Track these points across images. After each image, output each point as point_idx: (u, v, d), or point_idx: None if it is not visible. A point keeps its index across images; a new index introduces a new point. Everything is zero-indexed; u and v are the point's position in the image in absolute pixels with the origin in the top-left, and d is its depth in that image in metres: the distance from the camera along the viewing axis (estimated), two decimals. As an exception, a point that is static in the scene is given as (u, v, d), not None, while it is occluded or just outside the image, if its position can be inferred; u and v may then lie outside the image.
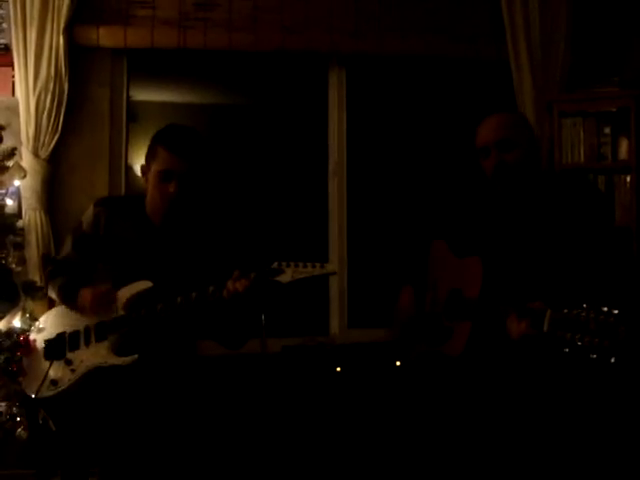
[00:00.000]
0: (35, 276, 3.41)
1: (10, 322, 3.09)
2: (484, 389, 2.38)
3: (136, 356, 2.48)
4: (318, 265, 2.41)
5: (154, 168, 2.55)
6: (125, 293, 2.56)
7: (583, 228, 2.31)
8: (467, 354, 2.38)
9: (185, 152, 2.53)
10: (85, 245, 2.70)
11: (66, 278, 2.68)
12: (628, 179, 3.66)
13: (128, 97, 3.95)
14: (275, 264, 2.42)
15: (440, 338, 2.51)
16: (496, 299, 2.30)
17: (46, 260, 3.42)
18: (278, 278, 2.41)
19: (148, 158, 2.59)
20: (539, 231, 2.37)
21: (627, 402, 2.55)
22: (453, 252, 2.60)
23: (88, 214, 2.71)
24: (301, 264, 2.41)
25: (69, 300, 2.64)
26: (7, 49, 3.59)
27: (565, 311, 1.97)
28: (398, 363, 3.52)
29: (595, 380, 2.27)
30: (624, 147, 3.69)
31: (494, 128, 2.44)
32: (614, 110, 3.72)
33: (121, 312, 2.54)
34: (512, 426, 2.31)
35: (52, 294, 2.75)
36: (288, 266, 2.41)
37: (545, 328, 2.01)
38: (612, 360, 1.89)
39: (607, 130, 3.73)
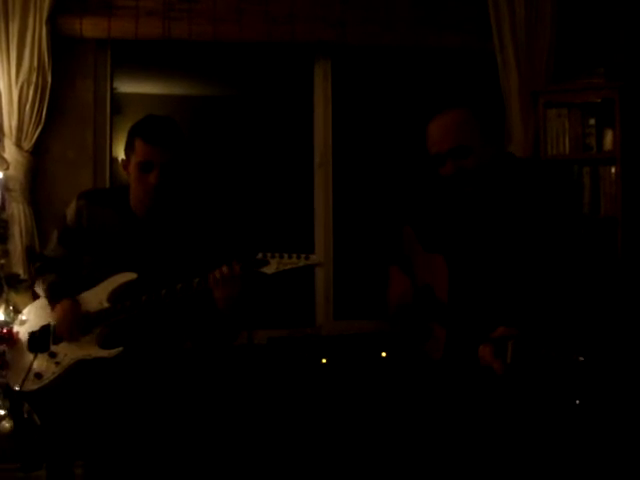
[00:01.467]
0: (18, 268, 3.39)
1: (-7, 315, 3.08)
2: (466, 393, 2.36)
3: (121, 348, 2.47)
4: (303, 256, 2.41)
5: (134, 160, 2.53)
6: (108, 285, 2.55)
7: (548, 226, 2.23)
8: (447, 359, 2.35)
9: (163, 142, 2.50)
10: (70, 239, 2.68)
11: (55, 276, 2.66)
12: (613, 170, 3.67)
13: (112, 89, 3.92)
14: (260, 255, 2.41)
15: (421, 335, 2.48)
16: (465, 308, 2.26)
17: (31, 253, 3.40)
18: (263, 269, 2.40)
19: (127, 151, 2.57)
20: (503, 231, 2.29)
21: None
22: (420, 243, 2.56)
23: (71, 207, 2.69)
24: (286, 255, 2.40)
25: (53, 301, 2.62)
26: (-11, 40, 3.55)
27: (527, 343, 1.87)
28: (384, 354, 3.54)
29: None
30: (609, 138, 3.70)
31: (444, 135, 2.29)
32: (599, 101, 3.73)
33: (105, 304, 2.53)
34: (494, 426, 2.30)
35: (39, 290, 2.73)
36: (273, 257, 2.40)
37: (508, 360, 1.93)
38: (577, 402, 1.88)
39: (592, 121, 3.74)
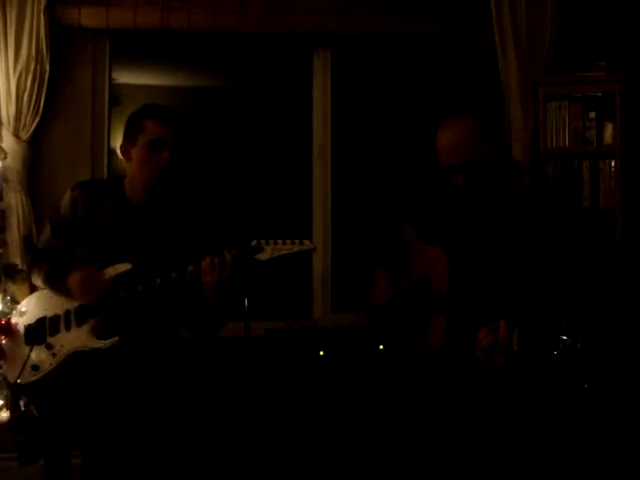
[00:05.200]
0: (16, 259, 3.39)
1: (-10, 305, 3.08)
2: (466, 384, 2.36)
3: (116, 339, 2.47)
4: (297, 242, 2.43)
5: (142, 140, 2.54)
6: (108, 276, 2.54)
7: (551, 231, 2.23)
8: (447, 350, 2.36)
9: (173, 121, 2.56)
10: (64, 230, 2.67)
11: (50, 264, 2.66)
12: (613, 164, 3.67)
13: (111, 79, 3.91)
14: (254, 242, 2.43)
15: (420, 327, 2.48)
16: (464, 299, 2.27)
17: (28, 243, 3.40)
18: (257, 256, 2.42)
19: (132, 133, 2.57)
20: (506, 232, 2.30)
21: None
22: (417, 236, 2.55)
23: (65, 199, 2.69)
24: (280, 241, 2.43)
25: (57, 284, 2.61)
26: (-13, 29, 3.53)
27: (531, 332, 1.93)
28: (381, 347, 3.53)
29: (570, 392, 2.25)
30: (609, 131, 3.70)
31: (456, 149, 2.26)
32: (599, 94, 3.73)
33: (101, 295, 2.53)
34: (494, 418, 2.30)
35: (37, 281, 2.72)
36: (267, 244, 2.43)
37: (515, 347, 1.97)
38: (585, 386, 1.89)
39: (592, 114, 3.73)
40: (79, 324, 2.54)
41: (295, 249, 2.43)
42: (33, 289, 2.85)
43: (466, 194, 2.31)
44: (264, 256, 2.42)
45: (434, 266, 2.41)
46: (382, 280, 2.55)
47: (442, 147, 2.31)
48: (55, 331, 2.56)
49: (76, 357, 2.52)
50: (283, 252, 2.42)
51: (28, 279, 2.94)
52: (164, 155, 2.53)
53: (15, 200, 3.47)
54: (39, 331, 2.58)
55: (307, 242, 2.45)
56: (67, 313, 2.57)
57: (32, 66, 3.47)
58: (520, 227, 2.27)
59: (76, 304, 2.56)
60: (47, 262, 2.67)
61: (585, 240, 2.29)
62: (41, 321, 2.60)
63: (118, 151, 2.67)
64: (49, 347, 2.54)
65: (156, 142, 2.53)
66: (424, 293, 2.45)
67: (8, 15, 3.45)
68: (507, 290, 2.21)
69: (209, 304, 2.51)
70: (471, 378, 2.33)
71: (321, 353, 3.56)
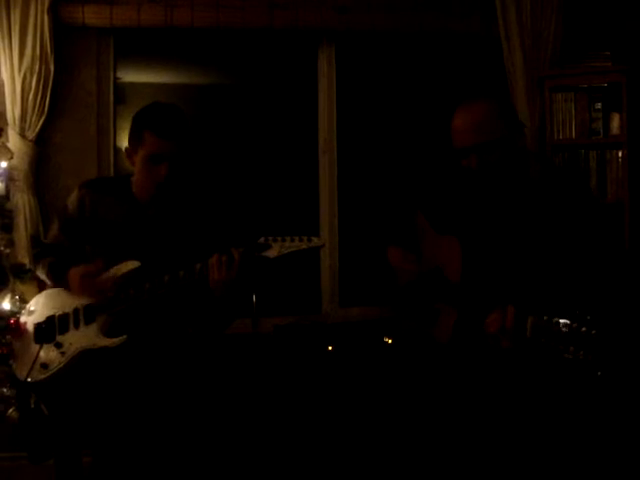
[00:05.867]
0: (24, 258, 3.40)
1: (-1, 304, 3.08)
2: (473, 378, 2.36)
3: (125, 337, 2.47)
4: (305, 239, 2.41)
5: (142, 153, 2.52)
6: (113, 274, 2.54)
7: (566, 217, 2.25)
8: (455, 342, 2.37)
9: (172, 134, 2.50)
10: (72, 228, 2.67)
11: (55, 258, 2.66)
12: (620, 154, 3.65)
13: (115, 78, 3.91)
14: (262, 239, 2.41)
15: (428, 318, 2.48)
16: (478, 288, 2.27)
17: (36, 242, 3.40)
18: (265, 253, 2.40)
19: (134, 142, 2.56)
20: (521, 218, 2.31)
21: (612, 404, 2.52)
22: (433, 227, 2.56)
23: (73, 197, 2.69)
24: (288, 238, 2.40)
25: (59, 279, 2.62)
26: (-9, 28, 3.54)
27: (545, 318, 1.94)
28: (389, 341, 3.53)
29: (581, 382, 2.25)
30: (616, 122, 3.68)
31: (470, 130, 2.28)
32: (605, 85, 3.71)
33: (110, 293, 2.53)
34: (500, 414, 2.30)
35: (41, 275, 2.73)
36: (275, 241, 2.40)
37: (528, 334, 1.99)
38: (599, 374, 1.89)
39: (599, 105, 3.71)
40: (87, 322, 2.54)
41: (303, 246, 2.41)
42: (41, 288, 2.85)
43: (480, 178, 2.32)
44: (272, 253, 2.40)
45: (447, 255, 2.41)
46: (400, 252, 2.60)
47: (457, 129, 2.33)
48: (64, 329, 2.56)
49: (85, 355, 2.52)
50: (291, 249, 2.40)
51: (35, 277, 2.95)
52: (162, 170, 2.49)
53: (22, 200, 3.48)
54: (48, 330, 2.57)
55: (315, 239, 2.43)
56: (76, 311, 2.57)
57: (37, 66, 3.47)
58: (535, 211, 2.28)
59: (85, 303, 2.56)
60: (51, 256, 2.68)
61: (600, 225, 2.31)
62: (50, 320, 2.60)
63: (124, 151, 2.67)
64: (58, 345, 2.54)
65: (155, 157, 2.50)
66: (436, 282, 2.46)
67: (12, 14, 3.46)
68: (522, 276, 2.22)
69: (216, 302, 2.50)
70: (479, 370, 2.33)
71: (330, 348, 3.56)
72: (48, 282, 2.70)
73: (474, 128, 2.27)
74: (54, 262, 2.65)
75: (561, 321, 1.90)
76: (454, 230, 2.42)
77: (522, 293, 2.13)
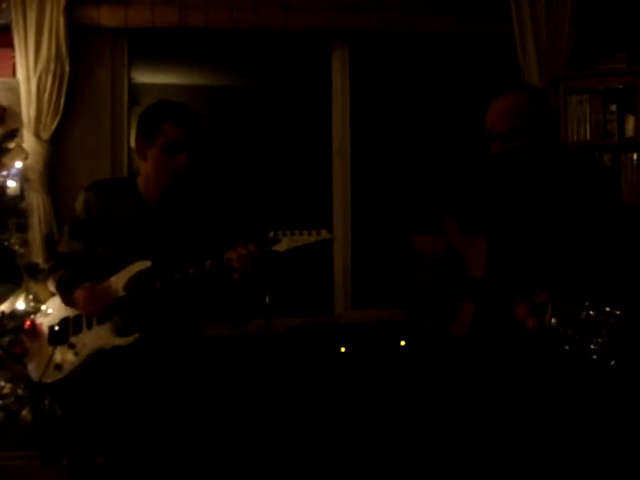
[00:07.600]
0: (38, 258, 3.41)
1: (14, 304, 3.09)
2: (487, 374, 2.38)
3: (138, 334, 2.47)
4: (314, 232, 2.42)
5: (160, 142, 2.53)
6: (124, 274, 2.55)
7: (591, 211, 2.29)
8: (470, 337, 2.37)
9: (190, 124, 2.55)
10: (81, 230, 2.68)
11: (65, 272, 2.66)
12: (635, 157, 3.63)
13: (130, 79, 3.92)
14: (271, 233, 2.43)
15: (446, 316, 2.50)
16: (500, 282, 2.29)
17: (49, 243, 3.42)
18: (275, 247, 2.41)
19: (149, 133, 2.56)
20: (546, 214, 2.35)
21: (627, 398, 2.52)
22: (461, 230, 2.59)
23: (79, 200, 2.69)
24: (297, 232, 2.42)
25: (65, 296, 2.63)
26: (7, 29, 3.54)
27: (566, 307, 1.97)
28: (403, 343, 3.52)
29: (596, 375, 2.26)
30: (631, 124, 3.66)
31: (498, 117, 2.38)
32: (620, 87, 3.69)
33: (121, 293, 2.53)
34: (514, 412, 2.30)
35: (51, 287, 2.74)
36: (284, 235, 2.42)
37: (547, 321, 2.01)
38: (612, 363, 1.90)
39: (613, 107, 3.70)
40: (100, 322, 2.55)
41: (312, 239, 2.42)
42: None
43: (499, 164, 2.40)
44: (281, 247, 2.41)
45: (474, 256, 2.45)
46: (429, 237, 2.68)
47: (489, 113, 2.43)
48: (78, 330, 2.56)
49: (99, 356, 2.53)
50: (300, 243, 2.41)
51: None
52: (181, 159, 2.51)
53: (36, 200, 3.49)
54: (62, 331, 2.58)
55: (324, 232, 2.44)
56: (89, 312, 2.58)
57: (52, 66, 3.49)
58: (563, 208, 2.33)
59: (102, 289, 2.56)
60: (63, 270, 2.68)
61: (626, 220, 2.36)
62: (64, 321, 2.61)
63: (134, 146, 2.67)
64: (72, 346, 2.55)
65: (174, 145, 2.52)
66: (458, 278, 2.48)
67: (28, 16, 3.48)
68: (547, 271, 2.25)
69: (232, 296, 2.52)
70: (494, 364, 2.36)
71: (342, 350, 3.55)
72: (57, 293, 2.70)
73: (501, 115, 2.38)
74: (63, 277, 2.65)
75: (580, 309, 1.94)
76: (482, 230, 2.46)
77: (545, 284, 2.15)
